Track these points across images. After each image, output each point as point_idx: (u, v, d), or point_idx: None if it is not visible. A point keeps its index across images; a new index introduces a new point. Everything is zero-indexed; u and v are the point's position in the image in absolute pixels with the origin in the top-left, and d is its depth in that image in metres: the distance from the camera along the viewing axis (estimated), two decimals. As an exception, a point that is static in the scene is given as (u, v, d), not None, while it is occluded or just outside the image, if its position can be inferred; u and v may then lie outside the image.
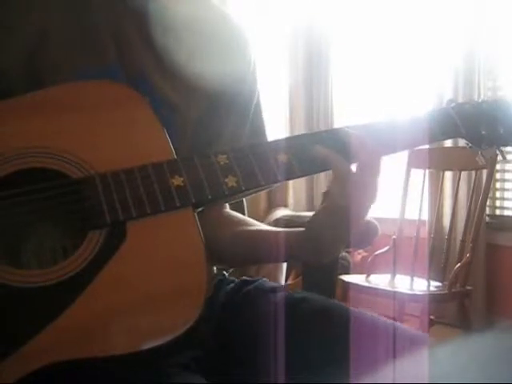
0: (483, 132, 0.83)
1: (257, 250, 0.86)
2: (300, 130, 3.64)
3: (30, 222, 0.70)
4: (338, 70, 3.61)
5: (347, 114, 3.57)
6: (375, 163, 0.75)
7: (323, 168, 0.75)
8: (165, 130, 0.73)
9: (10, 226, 0.69)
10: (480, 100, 0.87)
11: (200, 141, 0.86)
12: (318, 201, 3.63)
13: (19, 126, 0.71)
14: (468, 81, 2.97)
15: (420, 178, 2.70)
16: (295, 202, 3.59)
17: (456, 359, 0.48)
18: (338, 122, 3.58)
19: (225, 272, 0.97)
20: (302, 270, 2.93)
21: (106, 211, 0.67)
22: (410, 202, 2.76)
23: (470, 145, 0.84)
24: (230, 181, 0.72)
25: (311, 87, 3.68)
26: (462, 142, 0.87)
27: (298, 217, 2.68)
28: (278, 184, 0.78)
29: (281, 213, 3.10)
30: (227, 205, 0.95)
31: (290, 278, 2.98)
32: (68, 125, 0.72)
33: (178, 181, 0.70)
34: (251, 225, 0.91)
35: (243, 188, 0.72)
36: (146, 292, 0.66)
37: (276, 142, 0.76)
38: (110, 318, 0.64)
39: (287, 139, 0.77)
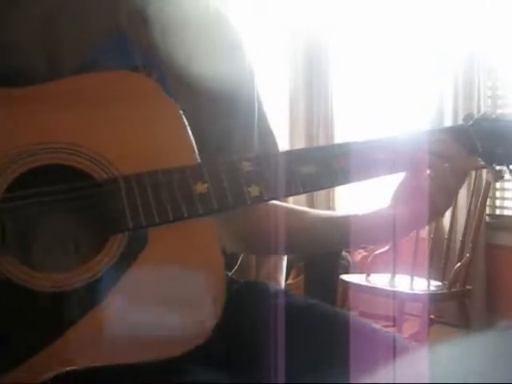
0: (499, 151, 0.83)
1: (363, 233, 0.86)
2: (300, 136, 3.63)
3: (51, 223, 0.69)
4: (338, 76, 3.60)
5: (347, 120, 3.56)
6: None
7: (345, 182, 0.76)
8: (189, 132, 0.72)
9: (31, 225, 0.68)
10: (495, 116, 0.86)
11: (210, 143, 0.86)
12: (317, 200, 3.63)
13: (42, 119, 0.69)
14: (468, 81, 2.97)
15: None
16: (295, 200, 3.58)
17: (456, 359, 0.48)
18: (338, 129, 3.58)
19: (228, 273, 0.96)
20: (303, 269, 2.94)
21: (129, 216, 0.66)
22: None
23: (482, 162, 0.85)
24: (254, 190, 0.71)
25: (311, 94, 3.67)
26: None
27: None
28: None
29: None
30: None
31: (290, 277, 2.98)
32: (91, 119, 0.70)
33: (201, 187, 0.69)
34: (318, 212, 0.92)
35: (265, 198, 0.71)
36: (165, 300, 0.65)
37: (300, 151, 0.76)
38: (131, 325, 0.64)
39: (311, 150, 0.77)
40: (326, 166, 0.74)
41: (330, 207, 3.60)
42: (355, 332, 0.77)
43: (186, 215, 0.67)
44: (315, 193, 3.63)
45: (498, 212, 3.12)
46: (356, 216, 0.85)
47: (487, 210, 2.97)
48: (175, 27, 0.85)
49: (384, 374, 0.55)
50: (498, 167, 0.85)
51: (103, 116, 0.70)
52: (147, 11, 0.84)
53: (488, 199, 2.67)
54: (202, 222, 0.69)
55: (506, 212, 3.10)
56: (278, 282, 2.15)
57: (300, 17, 3.58)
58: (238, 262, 1.29)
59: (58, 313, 0.63)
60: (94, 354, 0.62)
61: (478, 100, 3.00)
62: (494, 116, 0.86)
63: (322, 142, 3.59)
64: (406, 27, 3.27)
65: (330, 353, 0.75)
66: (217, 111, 0.87)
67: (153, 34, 0.83)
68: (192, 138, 0.72)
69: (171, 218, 0.67)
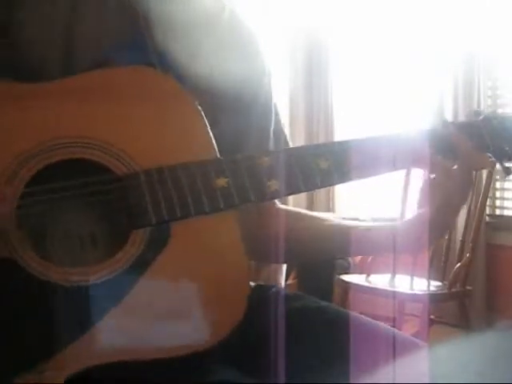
0: (506, 148, 0.84)
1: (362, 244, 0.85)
2: (300, 136, 3.63)
3: (72, 217, 0.68)
4: (338, 75, 3.60)
5: (347, 120, 3.56)
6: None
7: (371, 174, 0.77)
8: (209, 128, 0.72)
9: (53, 220, 0.68)
10: (503, 114, 0.88)
11: (226, 141, 0.85)
12: (318, 200, 3.63)
13: (56, 114, 0.69)
14: (468, 81, 2.97)
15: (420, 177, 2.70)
16: (295, 201, 3.58)
17: (456, 359, 0.48)
18: (338, 129, 3.58)
19: None
20: (298, 270, 2.93)
21: (151, 211, 0.66)
22: (410, 201, 2.76)
23: (492, 158, 0.85)
24: (273, 184, 0.71)
25: (311, 94, 3.67)
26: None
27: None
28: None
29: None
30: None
31: (291, 277, 2.98)
32: (109, 114, 0.70)
33: (222, 182, 0.69)
34: (326, 219, 0.91)
35: (285, 192, 0.71)
36: (188, 297, 0.65)
37: (317, 146, 0.76)
38: (153, 321, 0.64)
39: (327, 145, 0.77)
40: (339, 162, 0.74)
41: (329, 207, 3.60)
42: (368, 334, 0.77)
43: (207, 209, 0.67)
44: (315, 193, 3.63)
45: (497, 212, 3.12)
46: (358, 228, 0.86)
47: (487, 210, 2.97)
48: (180, 28, 0.85)
49: (385, 373, 0.55)
50: (507, 164, 0.86)
51: (120, 111, 0.70)
52: (151, 12, 0.84)
53: (488, 199, 2.67)
54: (224, 216, 0.69)
55: (506, 212, 3.10)
56: (278, 283, 2.15)
57: (300, 16, 3.58)
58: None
59: (80, 308, 0.63)
60: (121, 347, 0.63)
61: (478, 100, 3.00)
62: (502, 114, 0.88)
63: (321, 141, 3.59)
64: (406, 27, 3.27)
65: (340, 354, 0.75)
66: (232, 112, 0.86)
67: (157, 34, 0.83)
68: (212, 136, 0.72)
69: (193, 212, 0.67)
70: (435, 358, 0.49)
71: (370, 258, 2.75)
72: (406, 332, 2.69)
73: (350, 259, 3.09)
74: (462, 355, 0.48)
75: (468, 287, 2.52)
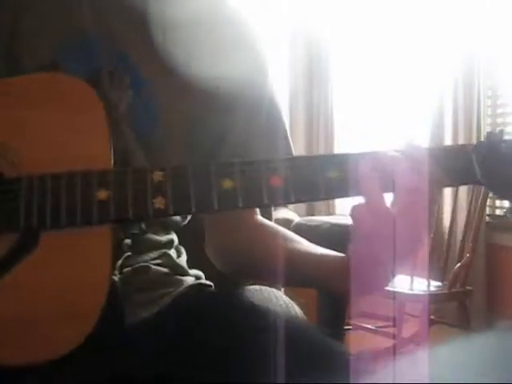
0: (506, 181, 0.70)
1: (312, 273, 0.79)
2: (299, 137, 3.63)
3: None
4: (338, 76, 3.60)
5: (347, 120, 3.56)
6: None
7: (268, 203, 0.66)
8: (111, 138, 0.70)
9: None
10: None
11: (200, 144, 0.84)
12: (318, 202, 3.62)
13: None
14: (468, 81, 2.97)
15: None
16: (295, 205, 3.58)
17: (456, 359, 0.48)
18: (338, 129, 3.57)
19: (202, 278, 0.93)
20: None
21: (22, 216, 0.65)
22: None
23: (492, 194, 0.72)
24: (158, 202, 0.66)
25: (311, 94, 3.67)
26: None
27: (311, 220, 2.64)
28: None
29: (282, 214, 3.09)
30: (258, 211, 0.88)
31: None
32: (11, 118, 0.70)
33: (102, 194, 0.66)
34: (297, 241, 0.83)
35: (171, 212, 0.67)
36: (39, 305, 0.65)
37: (223, 164, 0.68)
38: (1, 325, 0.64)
39: (237, 163, 0.68)
40: (251, 182, 0.67)
41: (329, 208, 3.60)
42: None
43: (79, 221, 0.65)
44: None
45: (497, 212, 3.12)
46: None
47: (487, 210, 2.97)
48: (176, 27, 0.85)
49: (385, 373, 0.55)
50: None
51: (25, 117, 0.70)
52: (148, 11, 0.84)
53: (488, 199, 2.67)
54: (99, 231, 0.67)
55: (506, 212, 3.11)
56: (277, 285, 2.14)
57: (300, 17, 3.59)
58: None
59: None
60: None
61: (478, 100, 3.00)
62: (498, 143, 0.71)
63: (321, 142, 3.59)
64: (406, 28, 3.27)
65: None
66: (213, 113, 0.85)
67: (153, 33, 0.83)
68: (111, 142, 0.70)
69: (63, 223, 0.65)
70: (435, 358, 0.49)
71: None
72: (406, 332, 2.70)
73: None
74: (461, 355, 0.48)
75: (468, 287, 2.52)
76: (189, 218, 0.90)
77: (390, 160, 0.65)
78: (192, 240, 0.92)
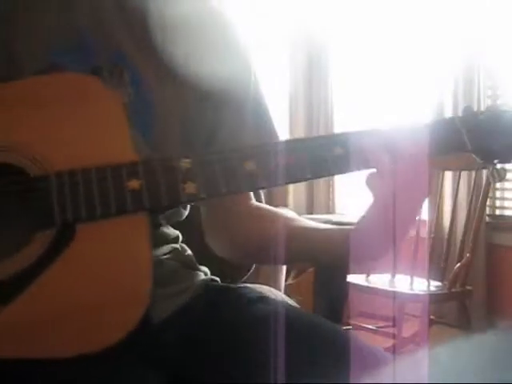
0: (495, 147, 0.75)
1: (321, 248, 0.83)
2: (299, 136, 3.63)
3: None
4: (338, 75, 3.60)
5: (347, 119, 3.56)
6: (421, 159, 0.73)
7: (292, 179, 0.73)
8: (131, 130, 0.72)
9: None
10: (493, 109, 0.78)
11: (194, 140, 0.86)
12: (317, 201, 3.63)
13: None
14: (468, 81, 2.97)
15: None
16: (295, 201, 3.59)
17: (456, 359, 0.48)
18: (339, 128, 3.57)
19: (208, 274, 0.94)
20: (314, 270, 2.94)
21: (56, 211, 0.67)
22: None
23: (482, 161, 0.77)
24: (189, 187, 0.69)
25: (311, 94, 3.67)
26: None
27: (310, 219, 2.66)
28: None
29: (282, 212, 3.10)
30: (252, 196, 0.92)
31: (291, 277, 2.98)
32: (29, 119, 0.71)
33: (134, 184, 0.68)
34: (299, 220, 0.88)
35: (202, 195, 0.70)
36: (85, 297, 0.66)
37: (246, 148, 0.73)
38: (49, 320, 0.65)
39: (255, 146, 0.74)
40: (265, 163, 0.71)
41: (329, 207, 3.61)
42: (355, 355, 0.74)
43: (113, 211, 0.67)
44: (315, 193, 3.63)
45: (497, 212, 3.12)
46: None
47: (487, 210, 2.97)
48: (175, 26, 0.85)
49: (385, 373, 0.55)
50: (498, 166, 0.76)
51: (40, 115, 0.71)
52: (145, 11, 0.84)
53: (488, 199, 2.67)
54: (134, 220, 0.68)
55: (506, 212, 3.10)
56: (278, 282, 2.15)
57: (300, 16, 3.59)
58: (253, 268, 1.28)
59: None
60: (14, 346, 0.64)
61: (478, 100, 3.00)
62: (492, 108, 0.78)
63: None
64: (406, 27, 3.27)
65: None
66: (205, 110, 0.87)
67: (150, 32, 0.84)
68: (131, 134, 0.72)
69: (98, 213, 0.67)
70: (435, 358, 0.49)
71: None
72: (406, 332, 2.70)
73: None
74: (461, 355, 0.48)
75: (468, 287, 2.52)
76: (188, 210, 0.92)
77: (391, 133, 0.75)
78: (189, 237, 0.93)
